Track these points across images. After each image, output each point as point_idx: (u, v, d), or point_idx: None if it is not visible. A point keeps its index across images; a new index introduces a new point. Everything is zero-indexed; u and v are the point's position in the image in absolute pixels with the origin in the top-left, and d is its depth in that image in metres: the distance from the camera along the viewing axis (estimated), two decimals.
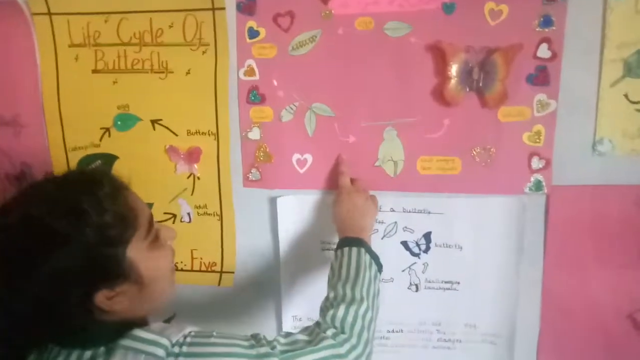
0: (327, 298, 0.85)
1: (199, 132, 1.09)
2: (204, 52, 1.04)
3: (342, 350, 0.75)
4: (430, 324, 1.12)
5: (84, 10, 1.06)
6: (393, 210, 1.07)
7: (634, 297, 1.02)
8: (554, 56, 0.94)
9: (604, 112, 0.95)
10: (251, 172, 1.09)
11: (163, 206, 1.14)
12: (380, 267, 0.91)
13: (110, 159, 1.13)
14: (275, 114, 1.05)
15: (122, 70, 1.08)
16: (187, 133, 1.09)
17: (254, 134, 1.07)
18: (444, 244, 1.07)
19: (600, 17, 0.92)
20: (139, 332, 0.69)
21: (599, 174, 0.98)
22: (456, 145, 1.01)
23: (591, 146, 0.97)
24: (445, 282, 1.09)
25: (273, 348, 0.72)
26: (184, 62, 1.06)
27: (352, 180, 1.03)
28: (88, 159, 1.14)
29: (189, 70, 1.06)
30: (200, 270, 1.16)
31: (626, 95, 0.94)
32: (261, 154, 1.07)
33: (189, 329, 0.72)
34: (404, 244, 1.09)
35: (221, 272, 1.16)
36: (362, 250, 0.89)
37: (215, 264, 1.15)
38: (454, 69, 0.96)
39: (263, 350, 0.71)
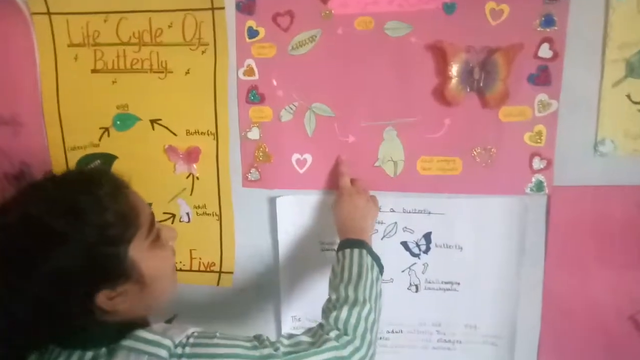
0: (329, 300, 0.85)
1: (198, 132, 1.08)
2: (203, 52, 1.04)
3: (345, 352, 0.75)
4: (430, 324, 1.12)
5: (83, 9, 1.06)
6: (393, 211, 1.06)
7: (636, 298, 1.01)
8: (556, 56, 0.94)
9: (605, 113, 0.95)
10: (250, 172, 1.09)
11: (162, 206, 1.13)
12: (381, 269, 0.91)
13: (109, 158, 1.13)
14: (275, 113, 1.05)
15: (122, 70, 1.08)
16: (187, 133, 1.09)
17: (254, 134, 1.07)
18: (444, 245, 1.07)
19: (602, 16, 0.91)
20: (141, 333, 0.69)
21: (600, 175, 0.98)
22: (457, 145, 1.01)
23: (593, 147, 0.96)
24: (446, 283, 1.09)
25: (276, 349, 0.72)
26: (183, 61, 1.05)
27: (353, 181, 1.03)
28: (87, 159, 1.14)
29: (188, 70, 1.06)
30: (199, 270, 1.16)
31: (628, 96, 0.93)
32: (260, 154, 1.07)
33: (192, 329, 0.72)
34: (404, 244, 1.08)
35: (220, 272, 1.15)
36: (364, 251, 0.89)
37: (214, 264, 1.15)
38: (454, 69, 0.96)
39: (266, 351, 0.71)
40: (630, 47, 0.91)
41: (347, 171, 1.03)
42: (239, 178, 1.10)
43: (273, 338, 0.75)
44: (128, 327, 0.70)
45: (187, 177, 1.11)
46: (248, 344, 0.71)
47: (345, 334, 0.77)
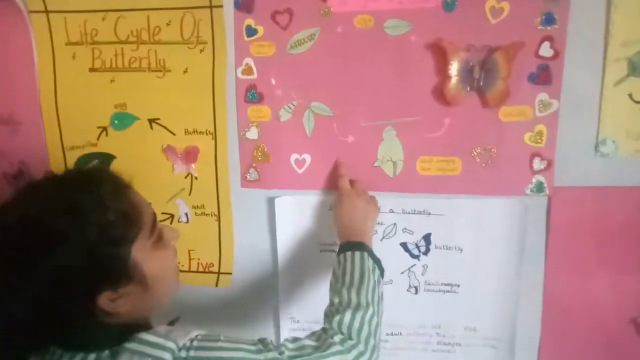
0: (331, 303, 0.84)
1: (197, 132, 1.08)
2: (201, 51, 1.03)
3: (350, 356, 0.74)
4: (429, 326, 1.11)
5: (81, 8, 1.05)
6: (392, 212, 1.06)
7: (637, 301, 1.00)
8: (556, 55, 0.93)
9: (607, 112, 0.94)
10: (249, 172, 1.08)
11: (160, 206, 1.12)
12: (382, 272, 0.90)
13: (107, 158, 1.12)
14: (274, 113, 1.04)
15: (120, 69, 1.07)
16: (185, 132, 1.08)
17: (252, 134, 1.06)
18: (444, 246, 1.06)
19: (604, 15, 0.90)
20: (145, 336, 0.68)
21: (601, 175, 0.97)
22: (456, 145, 1.00)
23: (594, 147, 0.96)
24: (445, 285, 1.08)
25: (281, 353, 0.71)
26: (181, 60, 1.05)
27: (352, 183, 1.02)
28: (85, 158, 1.13)
29: (186, 69, 1.05)
30: (197, 271, 1.15)
31: (630, 95, 0.93)
32: (259, 153, 1.06)
33: (195, 332, 0.71)
34: (404, 245, 1.07)
35: (219, 272, 1.15)
36: (365, 254, 0.88)
37: (212, 264, 1.14)
38: (454, 68, 0.95)
39: (271, 355, 0.70)
40: (633, 45, 0.90)
41: (347, 172, 1.02)
42: (237, 178, 1.09)
43: (274, 340, 0.75)
44: (131, 329, 0.69)
45: (186, 177, 1.11)
46: (252, 348, 0.71)
47: (350, 338, 0.76)
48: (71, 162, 1.14)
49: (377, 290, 0.85)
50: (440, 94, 0.97)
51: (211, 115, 1.06)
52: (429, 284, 1.09)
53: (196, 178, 1.10)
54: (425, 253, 1.07)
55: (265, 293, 1.15)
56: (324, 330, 0.79)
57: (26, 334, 0.67)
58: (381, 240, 1.07)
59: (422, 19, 0.95)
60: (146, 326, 0.73)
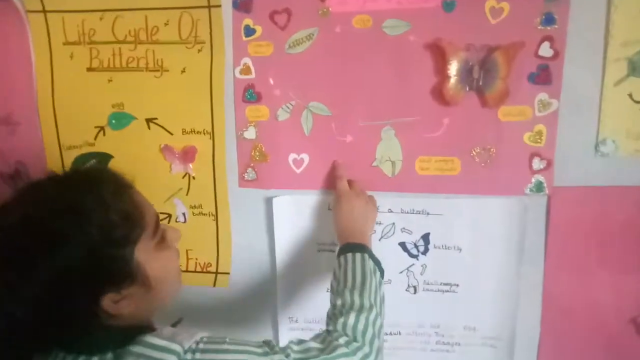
0: (334, 305, 0.83)
1: (194, 131, 1.07)
2: (199, 50, 1.03)
3: (355, 358, 0.74)
4: (428, 326, 1.11)
5: (79, 7, 1.05)
6: (391, 211, 1.05)
7: (637, 301, 1.00)
8: (556, 55, 0.93)
9: (607, 112, 0.93)
10: (247, 172, 1.07)
11: (158, 206, 1.11)
12: (382, 273, 0.90)
13: (105, 158, 1.12)
14: (272, 113, 1.04)
15: (117, 69, 1.07)
16: (182, 132, 1.08)
17: (250, 133, 1.06)
18: (442, 246, 1.06)
19: (604, 14, 0.90)
20: (150, 339, 0.67)
21: (601, 175, 0.96)
22: (455, 145, 0.99)
23: (594, 147, 0.95)
24: (444, 284, 1.08)
25: (287, 356, 0.71)
26: (179, 60, 1.04)
27: (350, 183, 1.02)
28: (83, 158, 1.13)
29: (184, 69, 1.05)
30: (195, 271, 1.15)
31: (630, 95, 0.92)
32: (257, 153, 1.06)
33: (200, 334, 0.70)
34: (402, 245, 1.07)
35: (216, 272, 1.14)
36: (366, 255, 0.88)
37: (210, 264, 1.14)
38: (453, 68, 0.94)
39: (277, 357, 0.70)
40: (633, 45, 0.90)
41: (345, 173, 1.02)
42: (235, 178, 1.09)
43: (273, 340, 0.75)
44: (134, 331, 0.68)
45: (183, 176, 1.10)
46: (259, 350, 0.70)
47: (355, 340, 0.76)
48: (68, 162, 1.13)
49: (379, 292, 0.85)
50: (439, 93, 0.97)
51: (209, 115, 1.06)
52: (428, 284, 1.08)
53: (194, 178, 1.10)
54: (424, 253, 1.07)
55: (263, 293, 1.14)
56: (328, 332, 0.78)
57: (28, 335, 0.66)
58: (380, 240, 1.06)
59: (421, 18, 0.95)
60: (149, 328, 0.72)
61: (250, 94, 1.04)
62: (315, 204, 1.07)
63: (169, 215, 1.13)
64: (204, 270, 1.15)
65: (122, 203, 0.69)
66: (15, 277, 0.63)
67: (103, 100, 1.09)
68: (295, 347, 0.73)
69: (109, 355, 0.67)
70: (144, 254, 0.69)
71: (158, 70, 1.05)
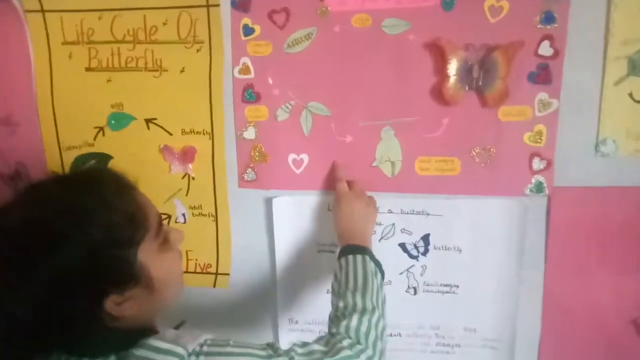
0: (336, 308, 0.83)
1: (194, 132, 1.07)
2: (198, 50, 1.03)
3: None
4: (428, 327, 1.10)
5: (78, 7, 1.05)
6: (391, 212, 1.05)
7: (637, 302, 1.00)
8: (556, 54, 0.92)
9: (607, 112, 0.93)
10: (246, 172, 1.07)
11: (158, 207, 1.06)
12: (382, 274, 0.89)
13: (104, 158, 1.12)
14: (271, 113, 1.04)
15: (116, 69, 1.06)
16: (182, 132, 1.07)
17: (249, 134, 1.05)
18: (442, 247, 1.05)
19: (604, 13, 0.90)
20: (153, 342, 0.67)
21: (601, 175, 0.96)
22: (455, 145, 0.99)
23: (594, 146, 0.95)
24: (444, 285, 1.07)
25: (291, 358, 0.71)
26: (178, 60, 1.04)
27: (350, 184, 1.01)
28: (82, 159, 1.13)
29: (183, 69, 1.04)
30: (195, 272, 1.14)
31: (630, 94, 0.92)
32: (256, 153, 1.06)
33: (204, 336, 0.70)
34: (402, 246, 1.07)
35: (216, 273, 1.14)
36: (367, 257, 0.88)
37: (210, 265, 1.14)
38: (453, 67, 0.94)
39: None
40: (633, 44, 0.89)
41: (344, 175, 1.01)
42: (234, 178, 1.08)
43: (273, 341, 0.74)
44: (137, 334, 0.68)
45: (183, 177, 1.10)
46: (263, 353, 0.70)
47: (358, 342, 0.76)
48: (68, 163, 1.13)
49: (380, 294, 0.85)
50: (438, 93, 0.96)
51: (208, 115, 1.05)
52: (428, 285, 1.08)
53: (193, 178, 1.10)
54: (424, 254, 1.06)
55: (263, 294, 1.14)
56: (331, 334, 0.78)
57: (30, 336, 0.65)
58: (379, 240, 1.06)
59: (420, 18, 0.95)
60: (152, 330, 0.72)
61: (249, 94, 1.03)
62: (315, 204, 1.07)
63: (169, 216, 1.12)
64: (204, 271, 1.15)
65: (125, 204, 0.68)
66: (17, 278, 0.62)
67: (102, 100, 1.09)
68: (299, 350, 0.73)
69: (112, 358, 0.66)
70: (147, 255, 0.69)
71: (157, 70, 1.05)
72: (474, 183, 1.00)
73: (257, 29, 1.00)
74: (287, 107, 1.03)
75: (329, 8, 0.97)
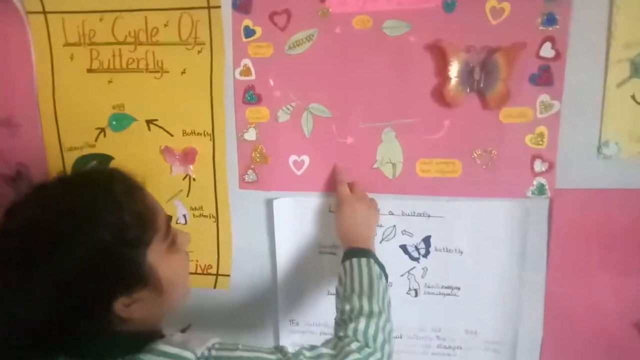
0: (342, 311, 0.82)
1: (195, 133, 1.07)
2: (199, 52, 1.03)
3: None
4: (429, 330, 1.10)
5: (79, 8, 1.05)
6: (392, 214, 1.05)
7: None
8: (558, 56, 0.92)
9: (610, 114, 0.92)
10: (247, 174, 1.07)
11: None
12: (386, 277, 0.89)
13: (105, 159, 1.12)
14: (272, 114, 1.03)
15: (117, 70, 1.07)
16: (183, 133, 1.08)
17: (250, 135, 1.05)
18: (444, 248, 1.05)
19: (606, 15, 0.89)
20: (161, 346, 0.66)
21: (604, 178, 0.95)
22: (456, 147, 0.99)
23: (596, 149, 0.94)
24: (445, 287, 1.07)
25: None
26: (179, 61, 1.04)
27: (351, 186, 1.01)
28: (84, 160, 1.13)
29: (184, 70, 1.04)
30: (196, 273, 1.14)
31: (633, 97, 0.91)
32: (257, 155, 1.06)
33: (212, 340, 0.69)
34: (403, 247, 1.06)
35: (217, 274, 1.14)
36: (371, 260, 0.88)
37: (211, 266, 1.14)
38: (454, 69, 0.94)
39: None
40: (635, 46, 0.89)
41: (345, 178, 1.01)
42: (235, 179, 1.08)
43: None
44: (144, 337, 0.67)
45: (184, 178, 1.10)
46: (271, 356, 0.70)
47: (367, 345, 0.76)
48: (69, 164, 1.13)
49: (386, 296, 0.85)
50: (439, 95, 0.96)
51: (209, 116, 1.05)
52: (429, 287, 1.07)
53: (194, 179, 1.10)
54: (425, 255, 1.06)
55: (264, 295, 1.14)
56: (339, 338, 0.77)
57: (37, 338, 0.64)
58: (380, 242, 1.06)
59: (421, 19, 0.94)
60: (158, 334, 0.71)
61: (250, 96, 1.03)
62: (316, 205, 1.06)
63: (170, 217, 1.12)
64: (205, 272, 1.15)
65: (135, 204, 0.68)
66: (27, 280, 0.62)
67: (103, 101, 1.09)
68: (307, 353, 0.73)
69: None
70: (156, 256, 0.68)
71: (158, 72, 1.05)
72: (475, 185, 0.99)
73: (258, 30, 1.00)
74: (288, 109, 1.02)
75: (329, 9, 0.97)
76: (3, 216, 0.67)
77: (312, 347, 0.75)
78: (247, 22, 1.00)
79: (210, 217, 1.11)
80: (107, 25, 1.05)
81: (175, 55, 1.04)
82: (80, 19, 1.05)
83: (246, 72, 1.02)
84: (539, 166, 0.97)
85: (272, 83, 1.02)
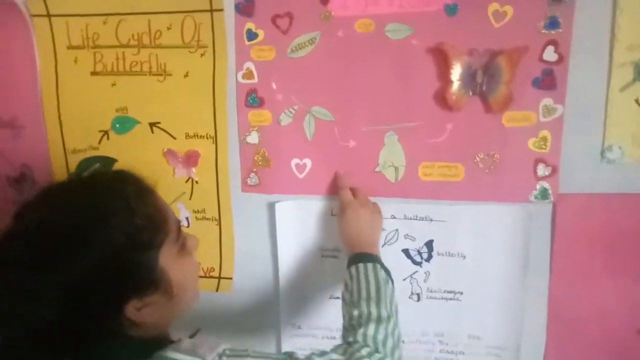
0: (351, 317, 0.82)
1: (197, 136, 1.07)
2: (202, 55, 1.03)
3: None
4: (432, 334, 1.09)
5: (83, 12, 1.05)
6: (394, 217, 1.04)
7: None
8: (561, 59, 0.91)
9: (613, 118, 0.92)
10: (249, 177, 1.07)
11: None
12: (392, 282, 0.89)
13: (109, 162, 1.12)
14: (274, 117, 1.03)
15: (121, 73, 1.07)
16: (185, 136, 1.08)
17: (253, 138, 1.05)
18: (446, 253, 1.04)
19: (610, 18, 0.89)
20: (170, 353, 0.65)
21: (607, 182, 0.95)
22: (459, 150, 0.98)
23: (600, 153, 0.94)
24: (448, 292, 1.06)
25: None
26: (182, 64, 1.04)
27: (354, 191, 1.00)
28: (87, 162, 1.13)
29: (187, 73, 1.05)
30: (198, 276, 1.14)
31: (637, 100, 0.91)
32: (260, 158, 1.06)
33: (222, 346, 0.68)
34: (405, 252, 1.06)
35: (219, 277, 1.14)
36: (377, 265, 0.87)
37: (213, 269, 1.14)
38: (456, 72, 0.93)
39: None
40: (639, 49, 0.88)
41: (347, 183, 1.01)
42: (238, 183, 1.08)
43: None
44: (153, 343, 0.67)
45: (186, 181, 1.10)
46: None
47: (377, 351, 0.75)
48: (73, 166, 1.14)
49: (393, 302, 0.84)
50: (442, 98, 0.96)
51: (212, 119, 1.06)
52: (432, 291, 1.07)
53: (197, 182, 1.10)
54: (428, 260, 1.05)
55: (266, 298, 1.14)
56: (348, 343, 0.77)
57: (46, 342, 0.63)
58: (383, 246, 1.05)
59: (423, 23, 0.94)
60: (167, 339, 0.71)
61: (252, 99, 1.03)
62: (318, 209, 1.06)
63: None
64: (207, 275, 1.15)
65: (146, 206, 0.68)
66: (38, 282, 0.61)
67: (107, 104, 1.09)
68: (318, 359, 0.72)
69: None
70: (167, 259, 0.68)
71: (161, 75, 1.06)
72: (477, 189, 0.99)
73: (261, 33, 1.00)
74: (291, 112, 1.03)
75: (332, 13, 0.97)
76: (13, 217, 0.66)
77: (323, 353, 0.74)
78: (250, 25, 1.00)
79: (212, 220, 1.11)
80: (110, 28, 1.05)
81: (178, 58, 1.04)
82: (84, 22, 1.06)
83: (249, 75, 1.03)
84: (542, 170, 0.96)
85: (274, 86, 1.02)
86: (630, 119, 0.91)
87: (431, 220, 1.03)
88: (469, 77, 0.94)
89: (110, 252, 0.62)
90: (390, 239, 1.06)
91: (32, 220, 0.64)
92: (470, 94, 0.95)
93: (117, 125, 1.10)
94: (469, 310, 1.06)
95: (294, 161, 1.05)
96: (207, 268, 1.14)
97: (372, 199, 1.01)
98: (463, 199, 1.00)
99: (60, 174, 1.14)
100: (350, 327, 0.80)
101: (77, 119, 1.11)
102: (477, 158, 0.98)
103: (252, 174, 1.07)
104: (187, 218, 1.12)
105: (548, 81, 0.92)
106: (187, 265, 0.74)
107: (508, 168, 0.97)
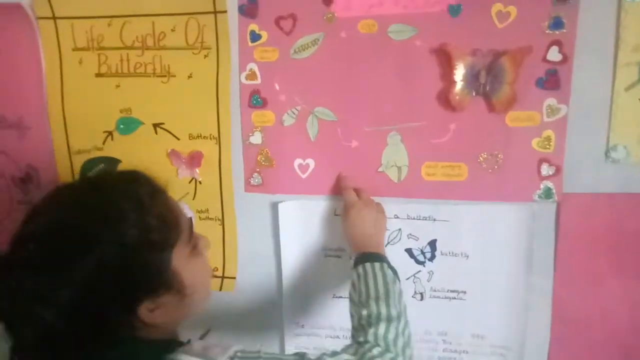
0: (360, 317, 0.81)
1: (201, 136, 1.08)
2: (205, 56, 1.03)
3: None
4: (435, 334, 1.09)
5: (88, 14, 1.06)
6: (397, 217, 1.04)
7: None
8: (565, 59, 0.91)
9: (618, 118, 0.92)
10: (253, 177, 1.07)
11: None
12: (399, 281, 0.89)
13: (113, 162, 1.13)
14: (277, 118, 1.04)
15: (125, 74, 1.07)
16: (189, 137, 1.08)
17: (256, 139, 1.05)
18: (449, 252, 1.04)
19: (614, 18, 0.88)
20: (182, 357, 0.64)
21: (612, 182, 0.94)
22: (462, 150, 0.98)
23: (604, 153, 0.94)
24: (451, 292, 1.06)
25: None
26: (186, 65, 1.05)
27: (358, 192, 1.00)
28: (91, 163, 1.14)
29: (190, 74, 1.05)
30: None
31: None
32: (263, 158, 1.06)
33: (233, 348, 0.67)
34: (409, 251, 1.06)
35: (222, 277, 1.14)
36: (385, 264, 0.87)
37: (216, 268, 1.14)
38: (460, 73, 0.93)
39: None
40: None
41: (351, 184, 1.01)
42: (241, 183, 1.09)
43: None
44: (164, 345, 0.66)
45: (190, 181, 1.11)
46: None
47: (388, 350, 0.75)
48: (78, 166, 1.15)
49: (402, 301, 0.84)
50: (445, 99, 0.96)
51: (215, 120, 1.06)
52: (435, 291, 1.07)
53: (200, 183, 1.10)
54: (431, 259, 1.06)
55: (269, 298, 1.14)
56: (359, 343, 0.76)
57: (58, 344, 0.62)
58: (386, 246, 1.05)
59: (427, 23, 0.94)
60: (176, 341, 0.70)
61: (256, 99, 1.04)
62: (321, 209, 1.07)
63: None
64: None
65: (159, 207, 0.67)
66: (51, 282, 0.60)
67: (111, 105, 1.10)
68: (329, 359, 0.72)
69: None
70: (179, 260, 0.68)
71: (165, 76, 1.06)
72: (481, 189, 0.99)
73: (264, 35, 1.01)
74: (294, 113, 1.03)
75: (335, 14, 0.97)
76: (25, 217, 0.66)
77: (334, 353, 0.73)
78: (253, 26, 1.01)
79: (216, 219, 1.12)
80: (115, 30, 1.05)
81: (182, 60, 1.04)
82: (89, 24, 1.06)
83: (252, 76, 1.03)
84: (546, 170, 0.96)
85: (277, 87, 1.02)
86: (635, 119, 0.91)
87: (434, 220, 1.03)
88: (472, 78, 0.94)
89: (123, 253, 0.62)
90: (393, 238, 1.06)
91: (45, 220, 0.64)
92: (474, 94, 0.95)
93: (122, 126, 1.10)
94: (472, 309, 1.06)
95: (297, 161, 1.05)
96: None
97: (376, 199, 1.01)
98: (466, 199, 1.00)
99: (64, 175, 1.15)
100: (360, 327, 0.80)
101: (81, 120, 1.12)
102: (481, 158, 0.98)
103: (255, 174, 1.07)
104: (190, 218, 1.13)
105: (552, 81, 0.92)
106: (199, 266, 0.74)
107: (512, 168, 0.97)
